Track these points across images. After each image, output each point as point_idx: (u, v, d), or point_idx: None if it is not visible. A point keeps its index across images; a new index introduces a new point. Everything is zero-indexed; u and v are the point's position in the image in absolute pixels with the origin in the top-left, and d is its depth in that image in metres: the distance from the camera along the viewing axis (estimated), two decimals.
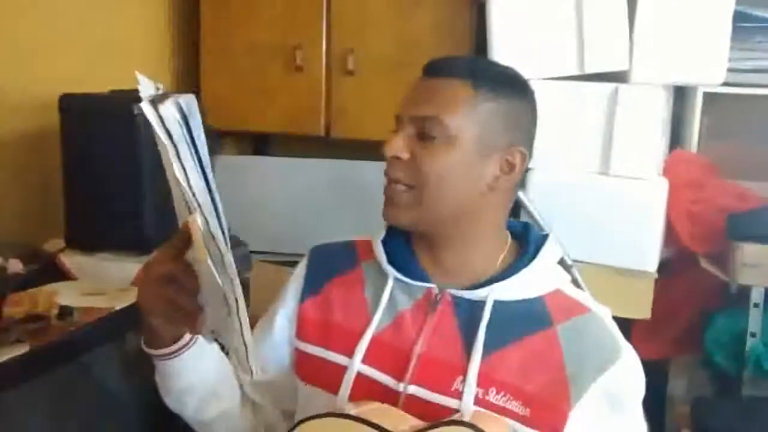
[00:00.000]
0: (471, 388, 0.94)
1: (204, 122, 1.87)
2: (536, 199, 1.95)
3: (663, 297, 1.99)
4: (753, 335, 1.94)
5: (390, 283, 1.03)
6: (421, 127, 0.97)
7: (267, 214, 2.35)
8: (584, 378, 0.94)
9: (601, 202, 1.92)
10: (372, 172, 2.33)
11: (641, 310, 1.92)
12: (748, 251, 1.92)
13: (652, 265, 1.93)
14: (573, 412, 0.93)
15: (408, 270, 1.02)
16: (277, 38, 2.33)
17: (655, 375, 2.05)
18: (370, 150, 2.40)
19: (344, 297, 1.05)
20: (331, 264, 1.09)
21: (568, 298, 1.00)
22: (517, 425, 0.93)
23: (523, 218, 1.96)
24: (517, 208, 1.97)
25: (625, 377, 0.96)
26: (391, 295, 1.02)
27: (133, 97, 1.58)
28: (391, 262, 1.03)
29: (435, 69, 1.01)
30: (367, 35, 2.29)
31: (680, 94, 2.23)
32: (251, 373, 0.88)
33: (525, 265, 1.00)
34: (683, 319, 2.13)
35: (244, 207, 2.30)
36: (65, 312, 1.21)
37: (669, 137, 2.23)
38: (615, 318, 1.78)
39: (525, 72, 1.05)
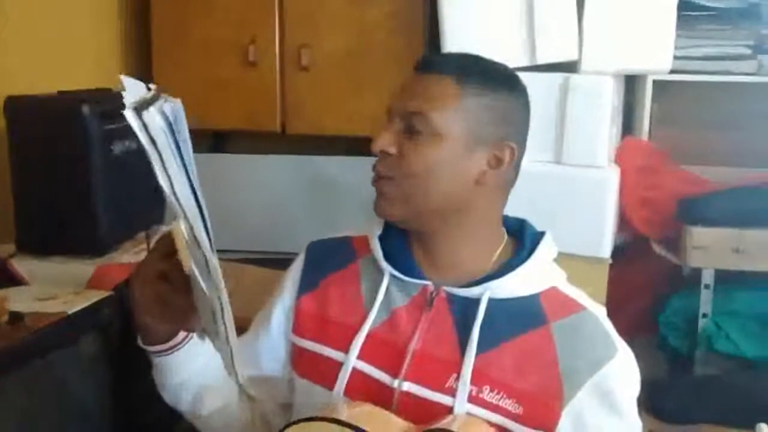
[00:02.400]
0: (465, 386, 0.94)
1: None
2: None
3: (617, 282, 2.03)
4: (704, 316, 1.99)
5: (386, 279, 1.03)
6: (409, 123, 0.98)
7: (225, 212, 2.33)
8: (577, 376, 0.94)
9: (555, 191, 1.94)
10: (330, 167, 2.36)
11: (596, 295, 1.95)
12: (698, 234, 1.97)
13: (605, 251, 1.96)
14: (565, 410, 0.94)
15: (404, 267, 1.02)
16: (230, 34, 2.31)
17: None
18: (328, 145, 2.42)
19: (340, 293, 1.06)
20: (328, 260, 1.09)
21: (563, 296, 1.01)
22: (510, 423, 0.94)
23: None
24: None
25: (619, 376, 0.96)
26: (387, 291, 1.02)
27: (82, 98, 1.59)
28: (387, 258, 1.04)
29: (425, 65, 1.01)
30: (320, 30, 2.29)
31: (631, 83, 2.27)
32: (237, 376, 0.88)
33: (520, 263, 1.00)
34: (638, 303, 2.17)
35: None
36: (15, 318, 1.19)
37: (621, 125, 2.27)
38: None
39: None
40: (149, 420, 1.53)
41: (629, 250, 2.16)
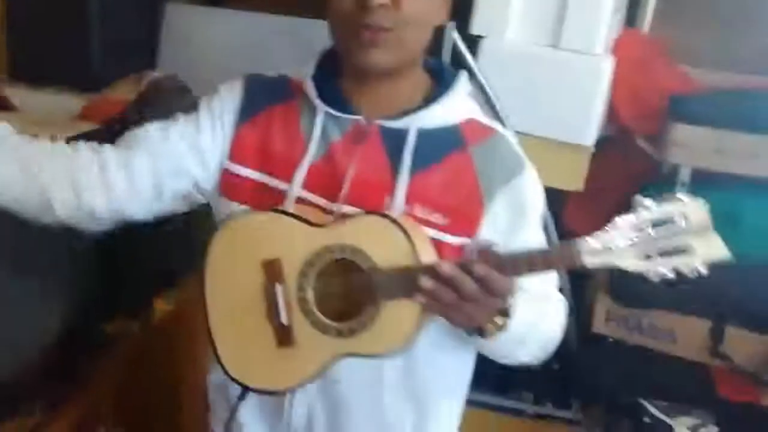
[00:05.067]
0: (399, 205, 1.05)
1: None
2: (486, 68, 1.98)
3: (598, 172, 2.07)
4: None
5: (320, 116, 1.10)
6: None
7: (217, 66, 2.32)
8: (493, 188, 1.07)
9: (548, 74, 1.95)
10: (324, 30, 2.33)
11: (575, 182, 2.01)
12: (680, 131, 2.00)
13: (589, 139, 1.99)
14: (485, 218, 1.07)
15: (337, 104, 1.09)
16: None
17: None
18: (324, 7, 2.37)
19: (282, 126, 1.12)
20: (268, 93, 1.14)
21: (479, 124, 1.12)
22: (439, 233, 1.05)
23: (474, 87, 2.00)
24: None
25: (526, 189, 1.09)
26: (322, 127, 1.10)
27: None
28: (320, 96, 1.10)
29: None
30: None
31: None
32: None
33: (442, 96, 1.10)
34: (616, 194, 2.22)
35: (195, 57, 2.27)
36: None
37: (624, 17, 2.25)
38: (549, 189, 1.86)
39: None
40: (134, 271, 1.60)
41: (614, 143, 2.19)
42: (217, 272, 1.07)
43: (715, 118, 1.98)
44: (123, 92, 1.63)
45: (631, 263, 0.90)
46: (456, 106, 1.11)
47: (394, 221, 0.98)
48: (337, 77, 1.11)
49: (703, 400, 1.94)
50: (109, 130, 1.46)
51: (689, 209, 0.88)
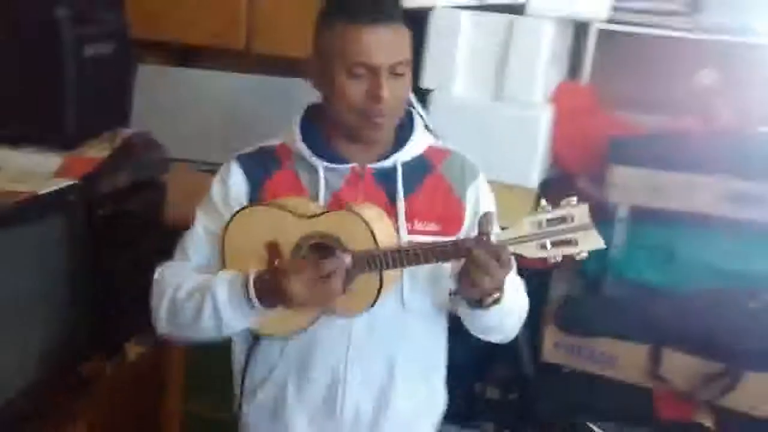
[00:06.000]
0: (403, 224, 1.31)
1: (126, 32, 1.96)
2: (436, 118, 2.14)
3: None
4: (617, 246, 2.21)
5: (321, 171, 1.31)
6: (393, 69, 1.24)
7: (187, 124, 2.46)
8: (463, 190, 1.37)
9: (493, 123, 2.13)
10: (292, 88, 2.47)
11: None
12: (618, 173, 2.16)
13: (533, 181, 2.16)
14: (466, 214, 1.36)
15: (332, 158, 1.32)
16: None
17: (537, 286, 2.30)
18: (292, 66, 2.51)
19: (287, 187, 1.33)
20: (261, 166, 1.34)
21: (437, 149, 1.40)
22: (437, 237, 1.30)
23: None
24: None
25: (483, 187, 1.40)
26: (325, 180, 1.31)
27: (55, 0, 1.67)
28: (316, 154, 1.31)
29: (381, 17, 1.22)
30: None
31: (579, 31, 2.42)
32: None
33: (411, 133, 1.36)
34: None
35: (166, 115, 2.41)
36: None
37: (566, 70, 2.43)
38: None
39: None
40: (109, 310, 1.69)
41: (557, 185, 2.35)
42: (233, 249, 1.30)
43: (650, 159, 2.15)
44: (97, 150, 1.75)
45: (531, 251, 1.16)
46: (420, 138, 1.37)
47: (360, 216, 1.22)
48: (324, 133, 1.33)
49: (646, 420, 2.06)
50: (87, 185, 1.58)
51: (575, 211, 1.14)
